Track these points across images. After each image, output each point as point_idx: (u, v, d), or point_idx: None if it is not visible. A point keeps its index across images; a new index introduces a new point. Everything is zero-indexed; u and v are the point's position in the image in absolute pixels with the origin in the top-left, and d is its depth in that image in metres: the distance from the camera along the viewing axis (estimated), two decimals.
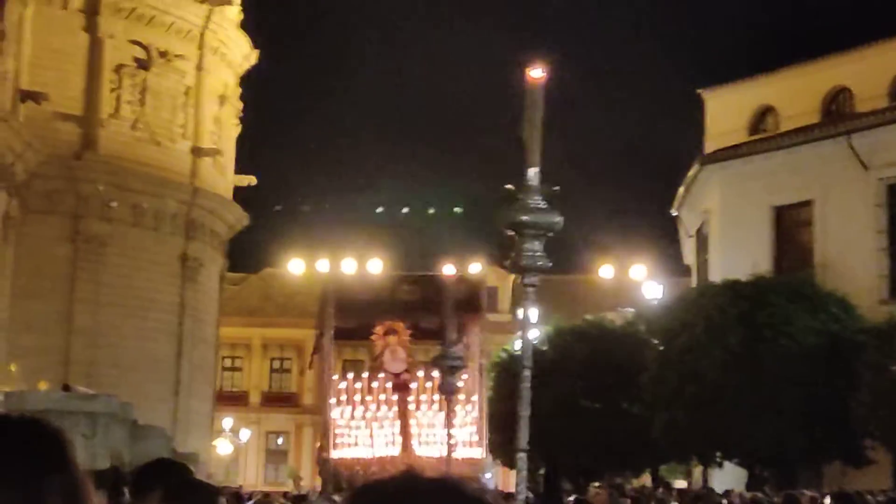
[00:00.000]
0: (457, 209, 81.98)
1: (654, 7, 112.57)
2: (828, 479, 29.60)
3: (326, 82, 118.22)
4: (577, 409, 32.75)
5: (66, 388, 31.00)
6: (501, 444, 31.56)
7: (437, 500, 1.92)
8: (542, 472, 35.78)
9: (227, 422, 58.57)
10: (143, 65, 43.48)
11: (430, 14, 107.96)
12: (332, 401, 32.06)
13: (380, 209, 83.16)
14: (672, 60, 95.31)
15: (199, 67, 45.37)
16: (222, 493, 17.25)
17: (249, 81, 49.78)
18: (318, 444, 36.76)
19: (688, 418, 28.64)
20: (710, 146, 41.68)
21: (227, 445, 58.38)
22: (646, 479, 37.27)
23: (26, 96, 39.95)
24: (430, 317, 29.90)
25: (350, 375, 32.43)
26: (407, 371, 32.27)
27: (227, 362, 64.41)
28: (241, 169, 49.47)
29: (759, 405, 27.37)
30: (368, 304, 33.16)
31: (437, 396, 29.31)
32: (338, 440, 31.79)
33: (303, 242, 38.03)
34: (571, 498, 27.87)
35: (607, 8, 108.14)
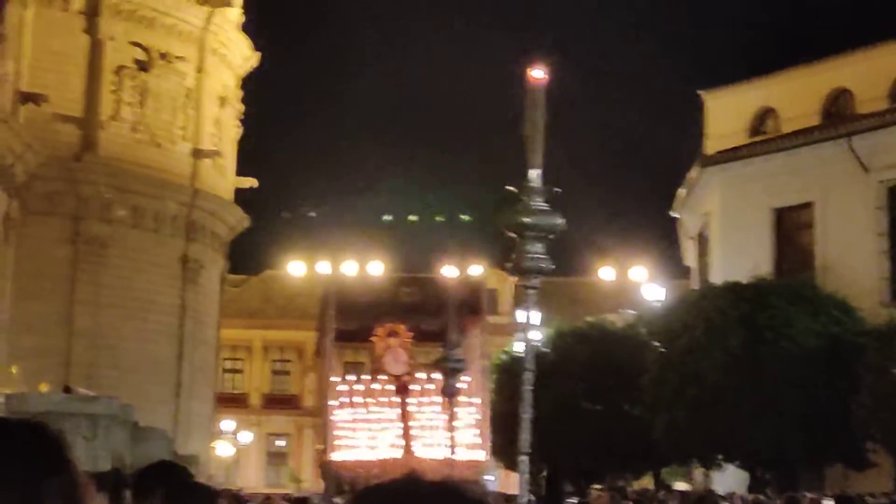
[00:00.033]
0: (463, 217, 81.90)
1: (655, 9, 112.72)
2: (829, 481, 29.59)
3: (328, 84, 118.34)
4: (578, 410, 32.72)
5: (66, 389, 31.00)
6: (503, 446, 31.55)
7: (439, 503, 1.91)
8: (543, 474, 35.74)
9: (228, 424, 58.53)
10: (143, 66, 43.48)
11: (430, 15, 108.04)
12: (333, 403, 32.07)
13: (388, 217, 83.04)
14: (672, 62, 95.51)
15: (200, 69, 45.37)
16: (222, 495, 17.22)
17: (251, 84, 49.85)
18: (322, 448, 36.74)
19: (689, 420, 28.62)
20: (710, 148, 41.65)
21: (228, 447, 58.34)
22: (647, 482, 37.24)
23: (26, 98, 39.96)
24: (430, 319, 29.91)
25: (351, 377, 32.44)
26: (408, 373, 32.29)
27: (228, 364, 64.38)
28: (243, 171, 49.46)
29: (759, 407, 27.35)
30: (369, 306, 33.21)
31: (438, 398, 29.31)
32: (338, 442, 31.79)
33: (303, 244, 38.04)
34: (573, 500, 27.88)
35: (607, 9, 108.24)
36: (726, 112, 42.65)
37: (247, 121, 49.55)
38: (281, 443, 68.02)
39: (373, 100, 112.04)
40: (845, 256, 34.26)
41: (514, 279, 45.89)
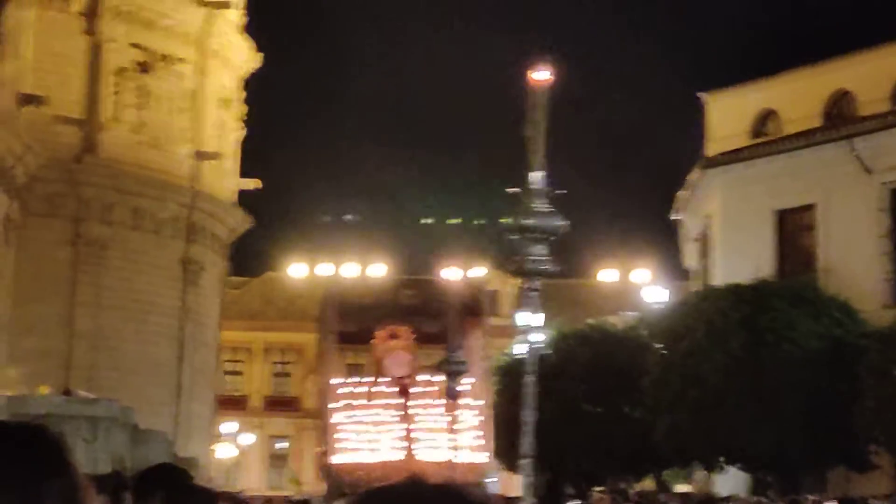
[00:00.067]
0: (464, 219, 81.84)
1: (655, 10, 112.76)
2: (831, 483, 29.58)
3: (329, 86, 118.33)
4: (580, 413, 32.73)
5: (66, 392, 31.02)
6: (504, 448, 31.55)
7: None
8: (544, 476, 35.72)
9: (230, 426, 58.52)
10: (143, 68, 43.48)
11: (431, 16, 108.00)
12: (334, 405, 32.06)
13: (389, 218, 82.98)
14: (673, 64, 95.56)
15: (200, 71, 45.38)
16: (221, 497, 17.21)
17: (254, 85, 49.83)
18: (323, 451, 36.72)
19: (690, 422, 28.62)
20: (711, 150, 41.67)
21: (229, 450, 58.34)
22: (648, 484, 37.23)
23: (27, 100, 39.97)
24: (431, 321, 29.92)
25: (352, 379, 32.43)
26: (409, 375, 32.27)
27: (229, 366, 64.39)
28: (245, 173, 49.44)
29: (761, 409, 27.34)
30: (370, 308, 33.19)
31: (439, 400, 29.31)
32: (339, 445, 31.78)
33: (304, 246, 38.05)
34: (574, 503, 27.84)
35: (608, 11, 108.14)
36: (727, 114, 42.67)
37: (249, 122, 49.58)
38: (282, 445, 68.03)
39: (374, 101, 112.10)
40: (847, 258, 34.25)
41: (515, 281, 45.94)
